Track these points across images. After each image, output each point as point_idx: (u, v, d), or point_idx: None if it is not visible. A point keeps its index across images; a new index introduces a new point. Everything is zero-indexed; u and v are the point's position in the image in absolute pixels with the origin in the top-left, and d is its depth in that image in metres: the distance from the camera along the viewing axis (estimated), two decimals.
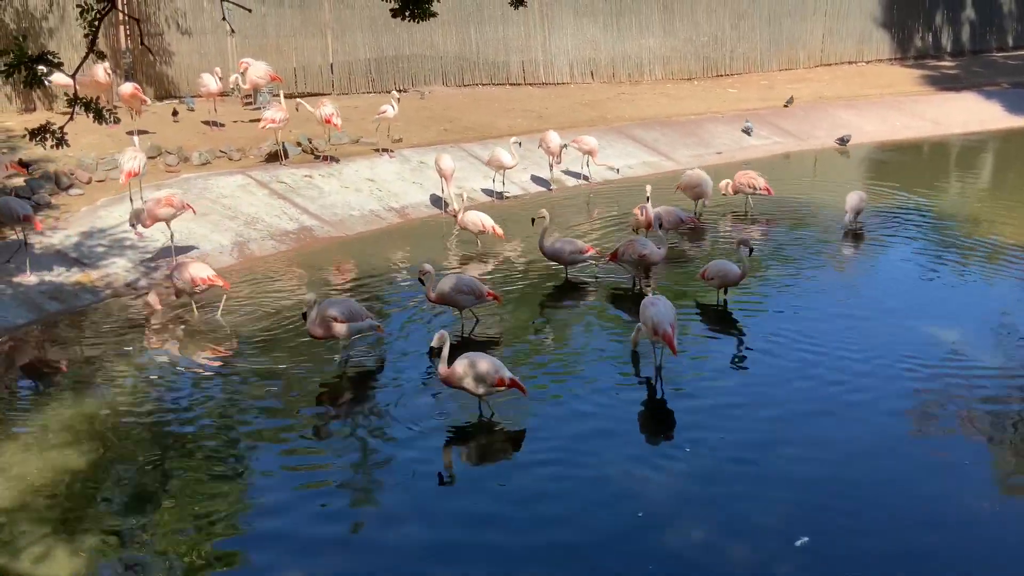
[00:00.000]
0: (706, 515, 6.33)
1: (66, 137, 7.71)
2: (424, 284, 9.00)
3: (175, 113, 14.81)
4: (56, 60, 7.06)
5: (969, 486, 6.70)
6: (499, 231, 11.50)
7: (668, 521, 6.26)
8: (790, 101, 19.86)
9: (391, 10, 8.27)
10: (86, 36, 7.45)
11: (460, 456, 7.20)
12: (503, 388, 7.31)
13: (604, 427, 7.44)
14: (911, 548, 6.03)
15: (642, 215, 11.36)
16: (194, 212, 10.91)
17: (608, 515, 6.33)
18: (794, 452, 7.04)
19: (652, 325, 8.06)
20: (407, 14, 8.10)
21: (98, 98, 8.32)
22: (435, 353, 7.51)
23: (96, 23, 7.37)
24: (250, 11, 13.38)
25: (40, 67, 7.01)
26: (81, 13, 7.45)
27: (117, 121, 8.63)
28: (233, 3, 11.52)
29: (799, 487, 6.65)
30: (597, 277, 10.80)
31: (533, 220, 10.67)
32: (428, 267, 8.97)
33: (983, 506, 6.49)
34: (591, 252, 10.51)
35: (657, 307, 8.16)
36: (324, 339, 8.27)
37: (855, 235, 12.26)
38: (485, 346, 8.75)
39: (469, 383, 7.24)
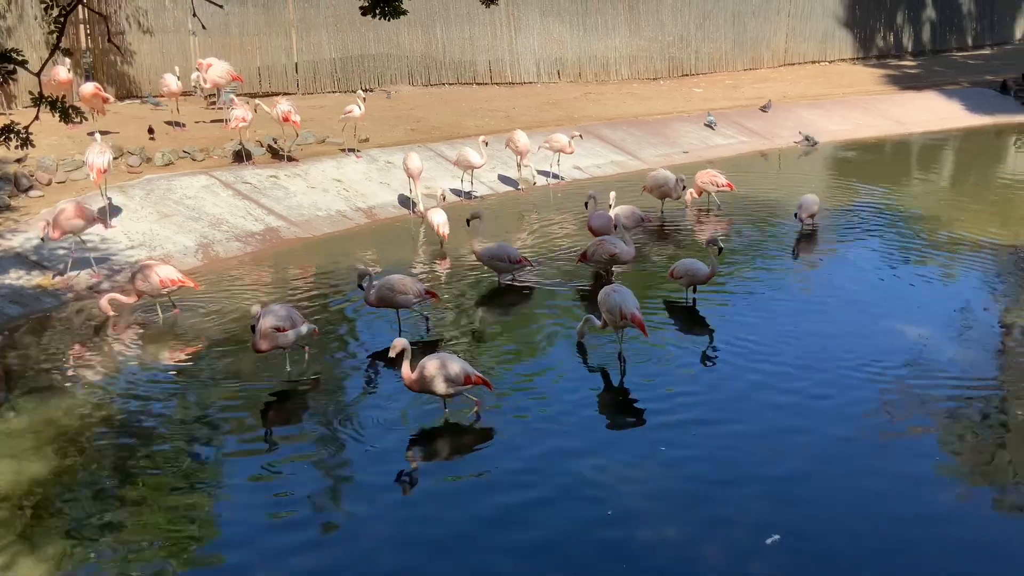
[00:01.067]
0: (678, 513, 6.33)
1: (31, 137, 7.54)
2: (363, 288, 8.80)
3: (151, 131, 14.19)
4: (20, 58, 6.91)
5: (935, 483, 6.78)
6: (443, 231, 11.48)
7: (639, 520, 6.25)
8: (768, 106, 19.83)
9: (360, 7, 8.16)
10: (50, 33, 7.30)
11: (424, 460, 7.12)
12: (469, 386, 7.27)
13: (572, 426, 7.43)
14: (882, 545, 6.07)
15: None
16: (105, 227, 10.64)
17: (579, 514, 6.30)
18: (764, 451, 7.06)
19: (619, 311, 8.12)
20: (377, 12, 8.00)
21: (63, 96, 8.09)
22: (396, 361, 7.27)
23: (61, 20, 7.22)
24: (222, 7, 13.20)
25: (4, 65, 6.87)
26: (45, 10, 7.30)
27: (84, 120, 8.44)
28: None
29: (769, 485, 6.67)
30: (513, 282, 10.45)
31: (468, 220, 10.42)
32: (366, 269, 8.77)
33: (950, 503, 6.57)
34: (524, 264, 10.23)
35: (620, 293, 8.27)
36: (271, 351, 7.97)
37: (810, 236, 12.28)
38: (438, 347, 8.70)
39: (439, 384, 7.14)
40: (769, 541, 5.99)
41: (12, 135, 7.30)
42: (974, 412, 7.71)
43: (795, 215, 12.25)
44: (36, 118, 7.58)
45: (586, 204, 11.44)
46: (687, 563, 5.91)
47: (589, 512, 6.33)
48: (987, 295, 10.36)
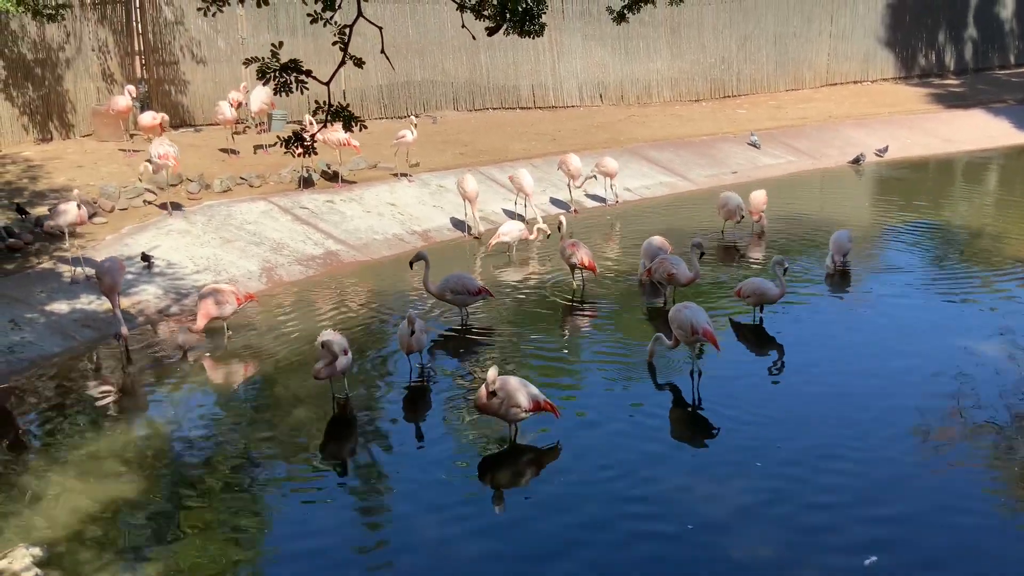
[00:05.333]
0: (771, 532, 6.24)
1: (315, 145, 7.44)
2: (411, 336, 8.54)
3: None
4: (304, 68, 6.93)
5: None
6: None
7: (732, 539, 6.17)
8: (860, 158, 18.53)
9: (487, 28, 7.52)
10: (334, 44, 7.23)
11: (499, 482, 7.07)
12: (537, 412, 7.22)
13: (654, 444, 7.39)
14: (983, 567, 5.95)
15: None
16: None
17: (670, 533, 6.25)
18: (851, 466, 6.97)
19: (691, 326, 8.13)
20: (513, 31, 7.36)
21: (348, 105, 7.72)
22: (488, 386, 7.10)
23: (346, 33, 7.18)
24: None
25: (294, 74, 6.83)
26: (320, 22, 7.13)
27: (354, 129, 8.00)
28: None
29: (865, 502, 6.56)
30: (466, 325, 9.94)
31: (411, 263, 10.10)
32: (412, 313, 8.66)
33: None
34: (482, 293, 9.85)
35: (691, 309, 8.32)
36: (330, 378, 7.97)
37: (871, 253, 11.99)
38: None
39: (512, 410, 7.11)
40: (867, 563, 5.89)
41: (298, 142, 7.20)
42: None
43: (830, 258, 11.24)
44: (324, 124, 7.52)
45: (559, 227, 11.59)
46: None
47: (684, 530, 6.27)
48: None
